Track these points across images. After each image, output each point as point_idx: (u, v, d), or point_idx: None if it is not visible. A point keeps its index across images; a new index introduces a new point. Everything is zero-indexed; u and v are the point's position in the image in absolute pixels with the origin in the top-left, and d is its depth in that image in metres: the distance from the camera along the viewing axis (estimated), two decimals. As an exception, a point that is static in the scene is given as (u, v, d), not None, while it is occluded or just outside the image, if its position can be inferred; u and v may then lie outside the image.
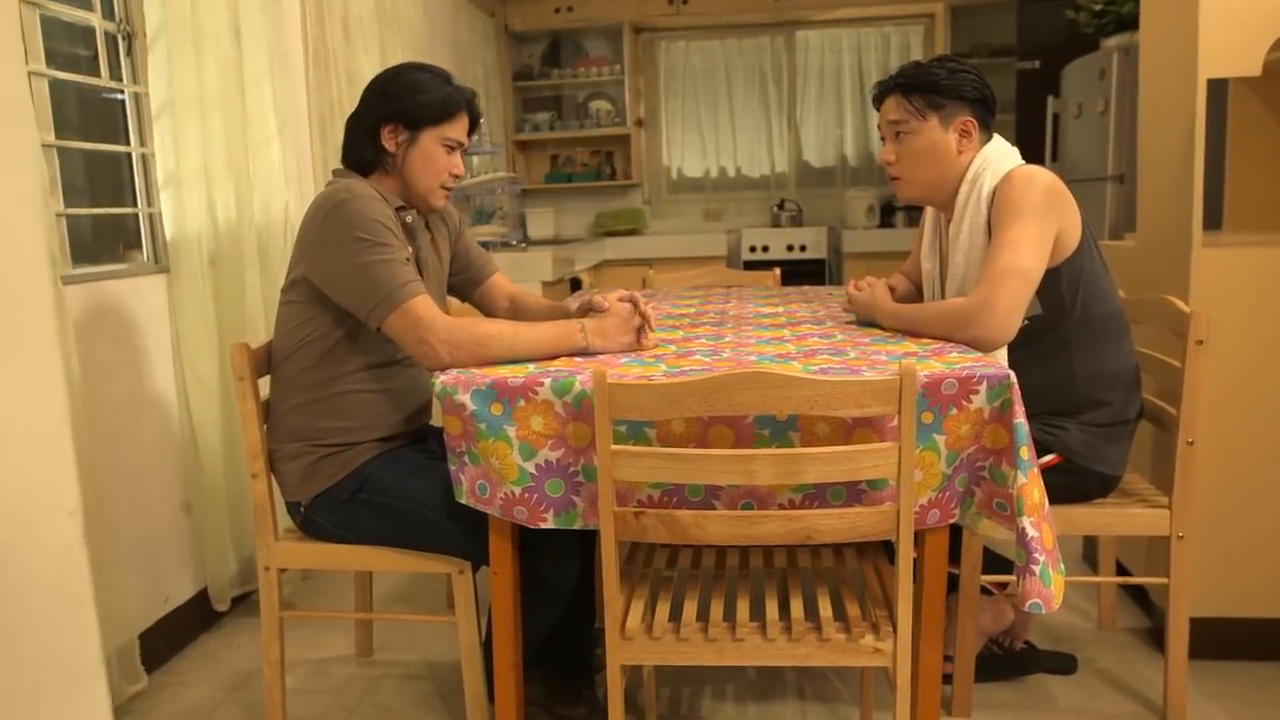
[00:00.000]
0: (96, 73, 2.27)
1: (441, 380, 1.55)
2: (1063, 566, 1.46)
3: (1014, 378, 1.46)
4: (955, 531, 1.66)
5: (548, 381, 1.51)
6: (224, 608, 2.51)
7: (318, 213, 1.73)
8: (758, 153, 5.84)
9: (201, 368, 2.38)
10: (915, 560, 1.51)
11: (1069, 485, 1.84)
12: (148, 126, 2.37)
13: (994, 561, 2.06)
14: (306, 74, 3.01)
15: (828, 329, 1.98)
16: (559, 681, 1.96)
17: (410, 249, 1.81)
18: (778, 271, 3.23)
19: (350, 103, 3.11)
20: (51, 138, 2.09)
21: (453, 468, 1.58)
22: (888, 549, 1.65)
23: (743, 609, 1.54)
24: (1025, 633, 2.15)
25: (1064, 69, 4.24)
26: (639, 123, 5.70)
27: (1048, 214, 1.77)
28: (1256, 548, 2.14)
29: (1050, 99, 4.32)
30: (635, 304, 1.80)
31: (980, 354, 1.63)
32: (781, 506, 1.51)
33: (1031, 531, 1.41)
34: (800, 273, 5.26)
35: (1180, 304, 1.87)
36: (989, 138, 1.92)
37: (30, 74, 2.00)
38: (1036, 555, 1.41)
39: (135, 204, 2.41)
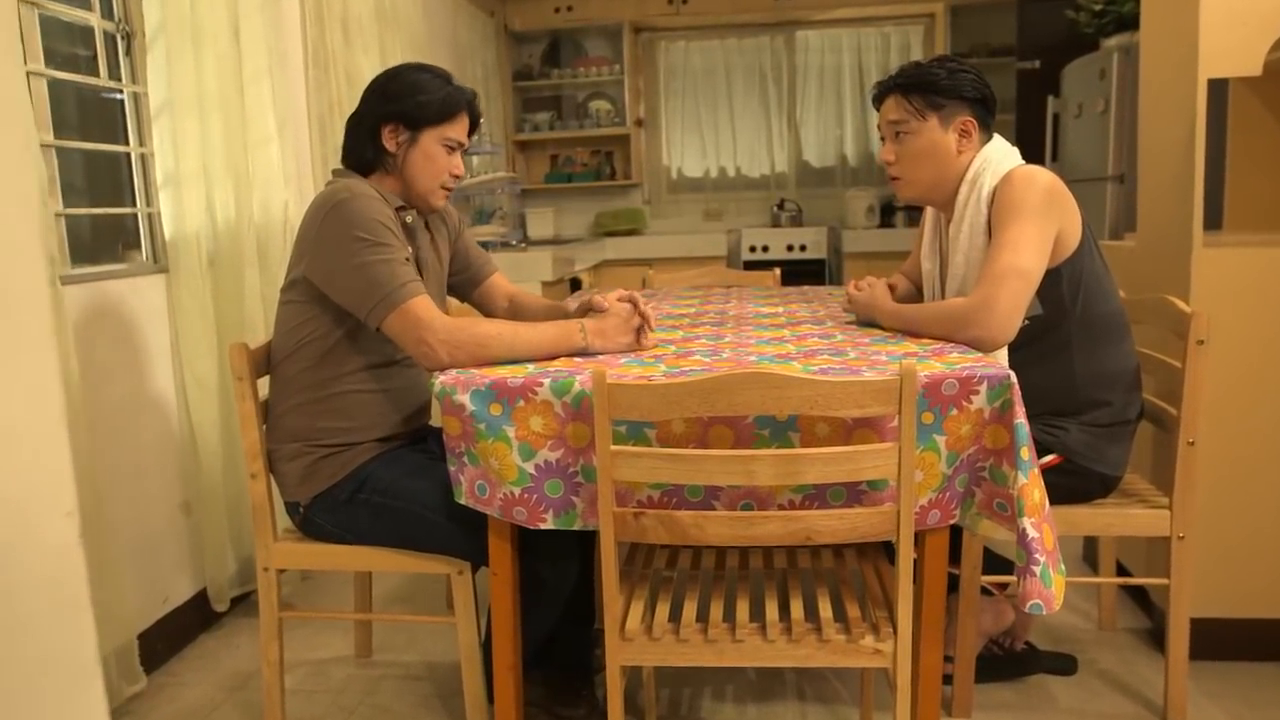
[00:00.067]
0: (95, 72, 2.27)
1: (441, 380, 1.55)
2: (1063, 567, 1.46)
3: (1014, 378, 1.46)
4: (955, 532, 1.66)
5: (547, 382, 1.50)
6: (223, 608, 2.51)
7: (318, 212, 1.73)
8: (758, 153, 5.83)
9: (201, 368, 2.38)
10: (915, 561, 1.51)
11: (1069, 485, 1.84)
12: (147, 126, 2.37)
13: (994, 562, 2.06)
14: (306, 74, 3.00)
15: (828, 329, 1.98)
16: (558, 682, 1.95)
17: (410, 249, 1.81)
18: (778, 271, 3.23)
19: (350, 103, 3.12)
20: (50, 137, 2.08)
21: (452, 468, 1.58)
22: (888, 549, 1.65)
23: (742, 610, 1.54)
24: (1025, 633, 2.15)
25: (1064, 69, 4.24)
26: (639, 123, 5.69)
27: (1048, 214, 1.76)
28: (1257, 548, 2.13)
29: (1050, 99, 4.32)
30: (635, 304, 1.80)
31: (980, 354, 1.63)
32: (781, 507, 1.51)
33: (1032, 532, 1.41)
34: (800, 273, 5.26)
35: (1181, 304, 1.87)
36: (989, 138, 1.91)
37: (29, 73, 2.00)
38: (1037, 556, 1.40)
39: (134, 204, 2.41)
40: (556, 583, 1.77)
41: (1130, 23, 3.59)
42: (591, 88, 5.76)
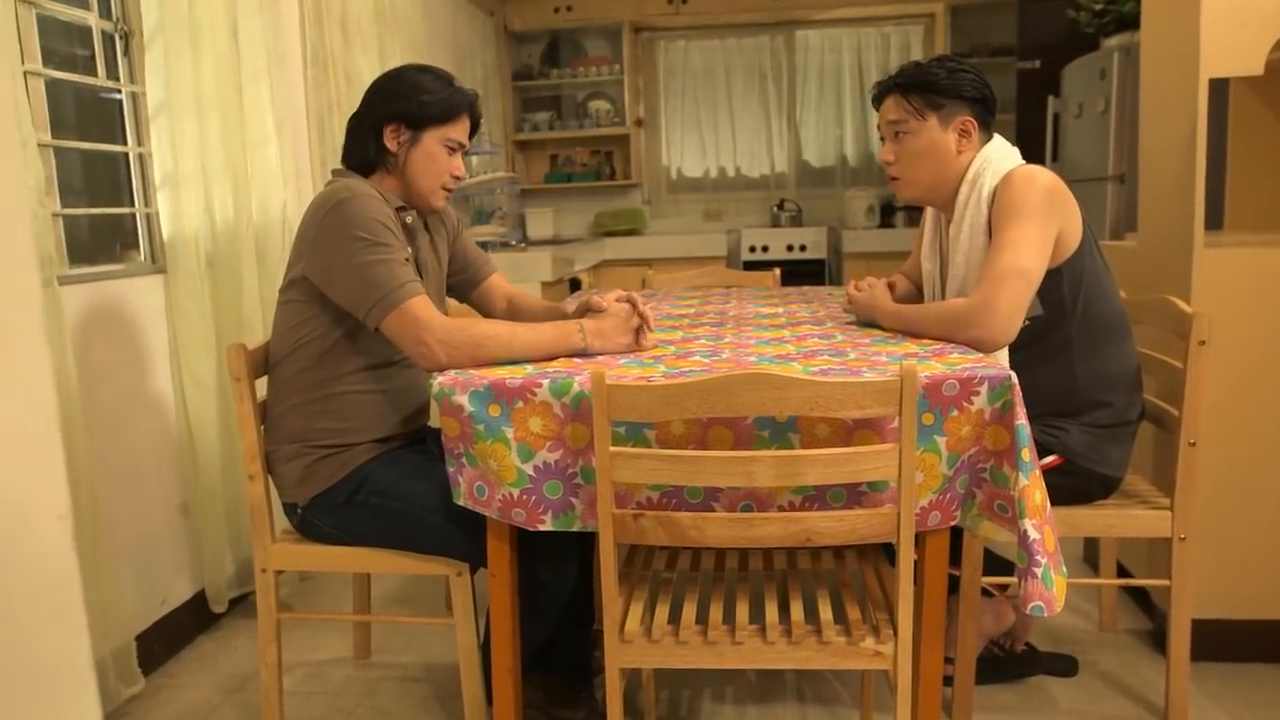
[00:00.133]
0: (93, 72, 2.27)
1: (439, 381, 1.54)
2: (1064, 569, 1.45)
3: (1015, 379, 1.45)
4: (956, 533, 1.65)
5: (546, 382, 1.50)
6: (221, 609, 2.50)
7: (317, 212, 1.72)
8: (757, 153, 5.83)
9: (199, 368, 2.37)
10: (916, 563, 1.50)
11: (1070, 486, 1.83)
12: (145, 126, 2.37)
13: (994, 562, 2.05)
14: (305, 74, 3.00)
15: (828, 329, 1.97)
16: (558, 684, 1.95)
17: (410, 249, 1.81)
18: (777, 272, 3.22)
19: (349, 103, 3.11)
20: (48, 137, 2.08)
21: (450, 469, 1.57)
22: (888, 551, 1.64)
23: (742, 611, 1.53)
24: (1026, 634, 2.14)
25: (1064, 69, 4.24)
26: (638, 122, 5.69)
27: (1048, 214, 1.76)
28: (1258, 549, 2.13)
29: (1051, 99, 4.31)
30: (633, 304, 1.79)
31: (981, 355, 1.62)
32: (781, 508, 1.50)
33: (1033, 534, 1.40)
34: (800, 273, 5.25)
35: (1182, 304, 1.86)
36: (989, 138, 1.91)
37: (27, 73, 2.00)
38: (1038, 558, 1.40)
39: (132, 204, 2.40)
40: (555, 584, 1.76)
41: (1131, 22, 3.58)
42: (591, 87, 5.76)
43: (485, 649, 1.76)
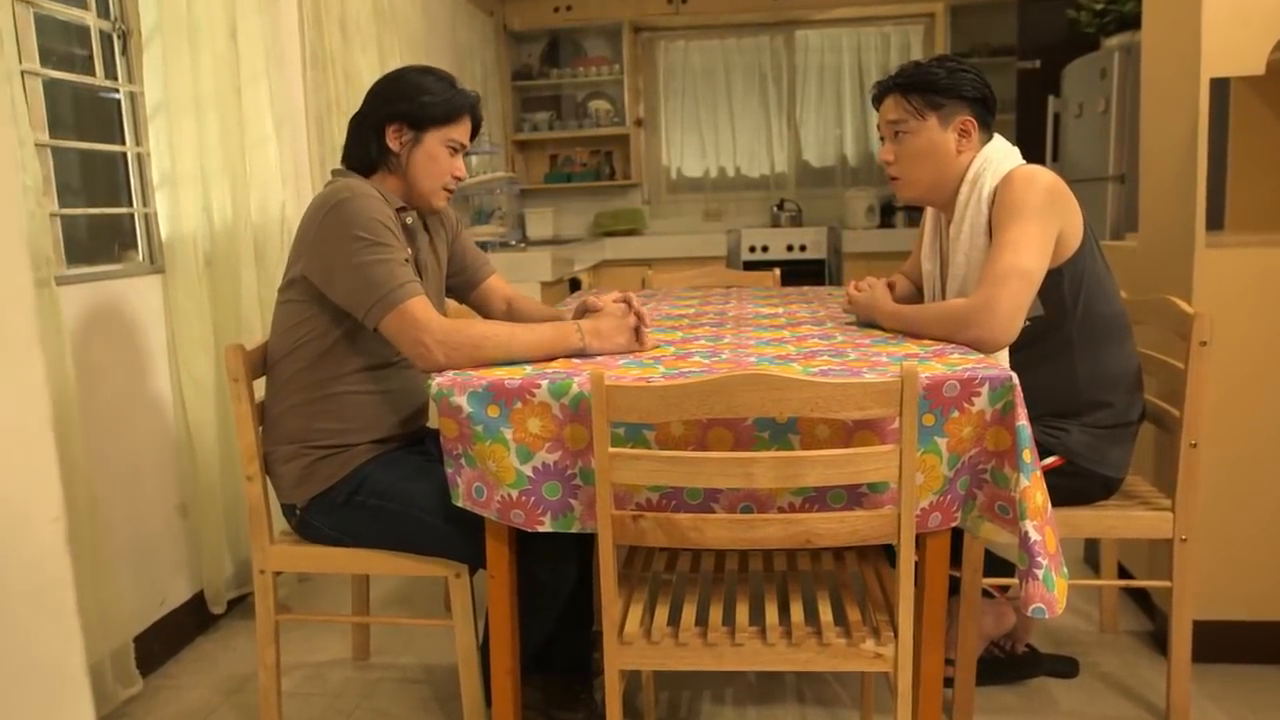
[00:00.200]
0: (91, 72, 2.26)
1: (437, 382, 1.54)
2: (1066, 570, 1.44)
3: (1016, 380, 1.44)
4: (956, 534, 1.65)
5: (545, 383, 1.49)
6: (220, 610, 2.49)
7: (317, 211, 1.72)
8: (757, 153, 5.82)
9: (197, 369, 2.37)
10: (916, 564, 1.49)
11: (1071, 487, 1.83)
12: (143, 126, 2.36)
13: (995, 564, 2.04)
14: (304, 74, 2.99)
15: (828, 330, 1.96)
16: (557, 686, 1.94)
17: (410, 250, 1.80)
18: (777, 272, 3.22)
19: (348, 103, 3.11)
20: (46, 137, 2.07)
21: (449, 470, 1.56)
22: (889, 552, 1.64)
23: (742, 613, 1.53)
24: (1027, 636, 2.14)
25: (1065, 68, 4.23)
26: (638, 122, 5.68)
27: (1049, 214, 1.75)
28: (1260, 550, 2.12)
29: (1051, 99, 4.30)
30: (629, 304, 1.79)
31: (982, 355, 1.62)
32: (781, 510, 1.50)
33: (1034, 535, 1.40)
34: (800, 273, 5.25)
35: (1183, 305, 1.85)
36: (989, 138, 1.90)
37: (24, 73, 1.99)
38: (1039, 559, 1.39)
39: (131, 204, 2.39)
40: (555, 585, 1.76)
41: (1131, 22, 3.58)
42: (591, 87, 5.75)
43: (484, 650, 1.75)
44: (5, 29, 1.78)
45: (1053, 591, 1.40)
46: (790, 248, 5.39)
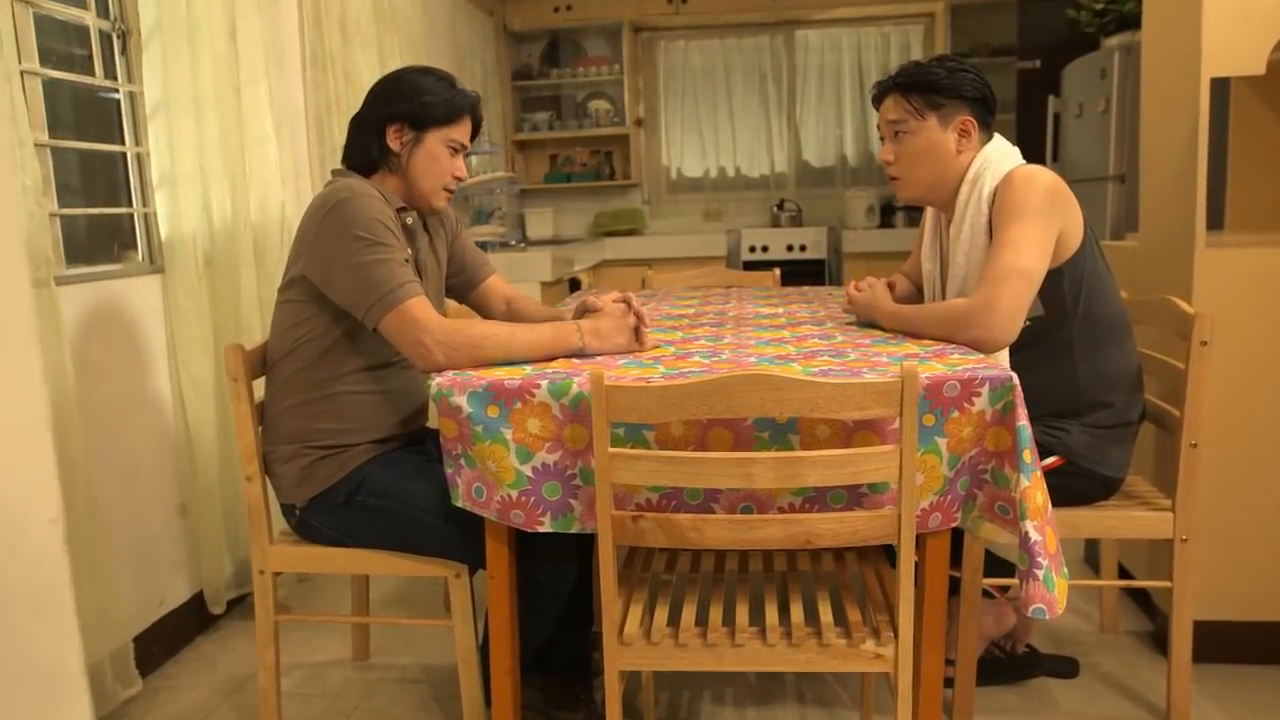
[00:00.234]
0: (91, 71, 2.26)
1: (437, 382, 1.53)
2: (1066, 571, 1.44)
3: (1016, 380, 1.44)
4: (956, 534, 1.65)
5: (545, 383, 1.49)
6: (219, 610, 2.49)
7: (317, 211, 1.72)
8: (757, 153, 5.82)
9: (197, 369, 2.36)
10: (916, 564, 1.49)
11: (1071, 487, 1.83)
12: (143, 126, 2.36)
13: (995, 564, 2.04)
14: (304, 73, 2.99)
15: (828, 330, 1.96)
16: (557, 686, 1.94)
17: (410, 250, 1.80)
18: (777, 272, 3.21)
19: (348, 102, 3.11)
20: (45, 137, 2.07)
21: (449, 471, 1.56)
22: (889, 552, 1.64)
23: (742, 613, 1.53)
24: (1027, 636, 2.13)
25: (1065, 68, 4.23)
26: (638, 122, 5.68)
27: (1049, 214, 1.75)
28: (1260, 550, 2.12)
29: (1051, 98, 4.30)
30: (629, 304, 1.79)
31: (982, 355, 1.62)
32: (781, 510, 1.49)
33: (1034, 535, 1.39)
34: (800, 273, 5.25)
35: (1183, 305, 1.85)
36: (989, 138, 1.90)
37: (24, 73, 1.99)
38: (1040, 560, 1.39)
39: (130, 204, 2.39)
40: (554, 586, 1.76)
41: (1131, 22, 3.57)
42: (591, 87, 5.75)
43: (484, 650, 1.75)
44: (5, 29, 1.78)
45: (1053, 592, 1.40)
46: (790, 248, 5.39)
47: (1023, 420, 1.42)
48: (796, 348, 1.76)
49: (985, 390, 1.45)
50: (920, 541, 1.51)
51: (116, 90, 2.34)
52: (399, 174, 1.84)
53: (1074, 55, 4.10)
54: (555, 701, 1.93)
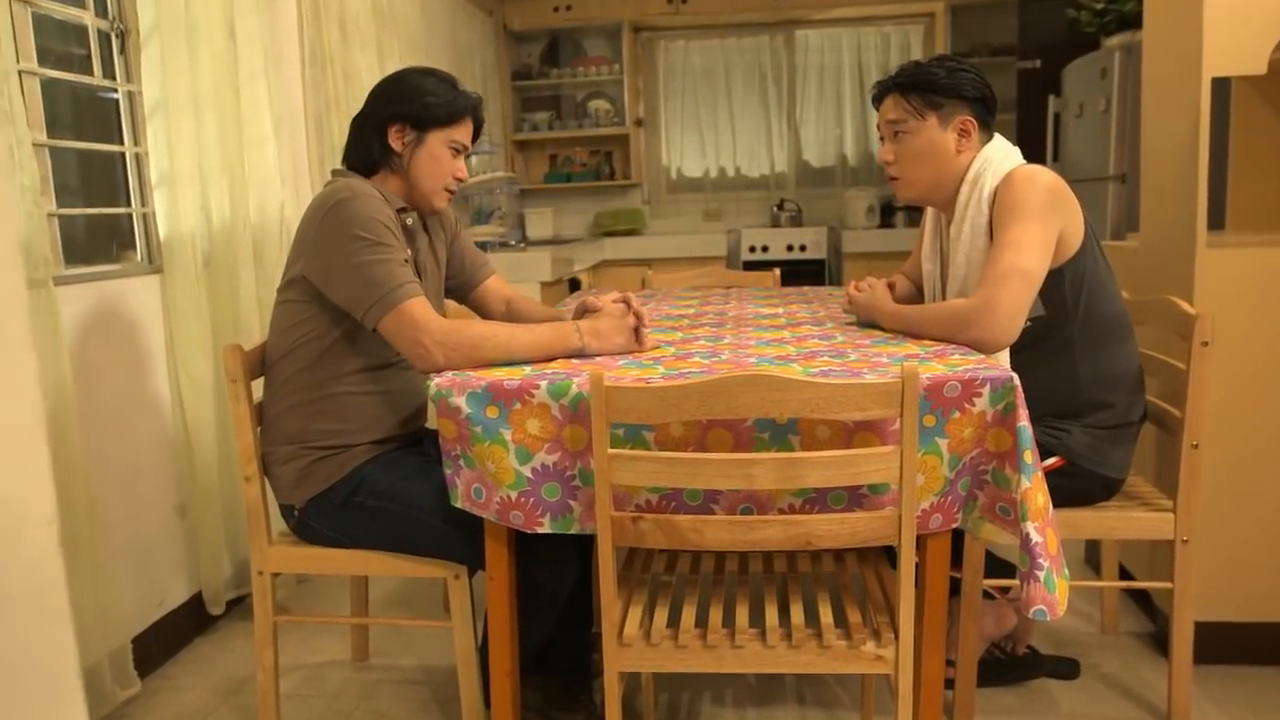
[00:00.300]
0: (89, 71, 2.26)
1: (436, 383, 1.53)
2: (1067, 572, 1.44)
3: (1017, 380, 1.44)
4: (957, 535, 1.64)
5: (544, 384, 1.49)
6: (219, 611, 2.49)
7: (317, 211, 1.72)
8: (757, 153, 5.82)
9: (196, 369, 2.36)
10: (917, 565, 1.49)
11: (1072, 488, 1.82)
12: (141, 125, 2.35)
13: (996, 564, 2.04)
14: (303, 73, 2.99)
15: (828, 330, 1.96)
16: (556, 687, 1.94)
17: (409, 251, 1.80)
18: (777, 272, 3.21)
19: (347, 102, 3.10)
20: (43, 137, 2.07)
21: (448, 471, 1.56)
22: (889, 553, 1.63)
23: (742, 615, 1.52)
24: (1028, 637, 2.13)
25: (1065, 68, 4.22)
26: (638, 122, 5.68)
27: (1050, 214, 1.75)
28: (1261, 551, 2.12)
29: (1051, 98, 4.30)
30: (628, 304, 1.78)
31: (983, 356, 1.61)
32: (781, 511, 1.49)
33: (1035, 537, 1.39)
34: (800, 273, 5.24)
35: (1184, 305, 1.85)
36: (989, 137, 1.90)
37: (22, 72, 1.98)
38: (1040, 561, 1.39)
39: (129, 204, 2.39)
40: (554, 587, 1.75)
41: (1132, 21, 3.57)
42: (591, 87, 5.75)
43: (483, 651, 1.75)
44: (3, 28, 1.78)
45: (1054, 593, 1.39)
46: (790, 248, 5.38)
47: (1024, 421, 1.42)
48: (796, 348, 1.75)
49: (986, 391, 1.44)
50: (921, 543, 1.51)
51: (115, 90, 2.34)
52: (400, 174, 1.84)
53: (1074, 55, 4.10)
54: (555, 703, 1.93)
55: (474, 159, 4.56)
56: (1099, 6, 3.74)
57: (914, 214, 5.35)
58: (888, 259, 5.11)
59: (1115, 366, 1.84)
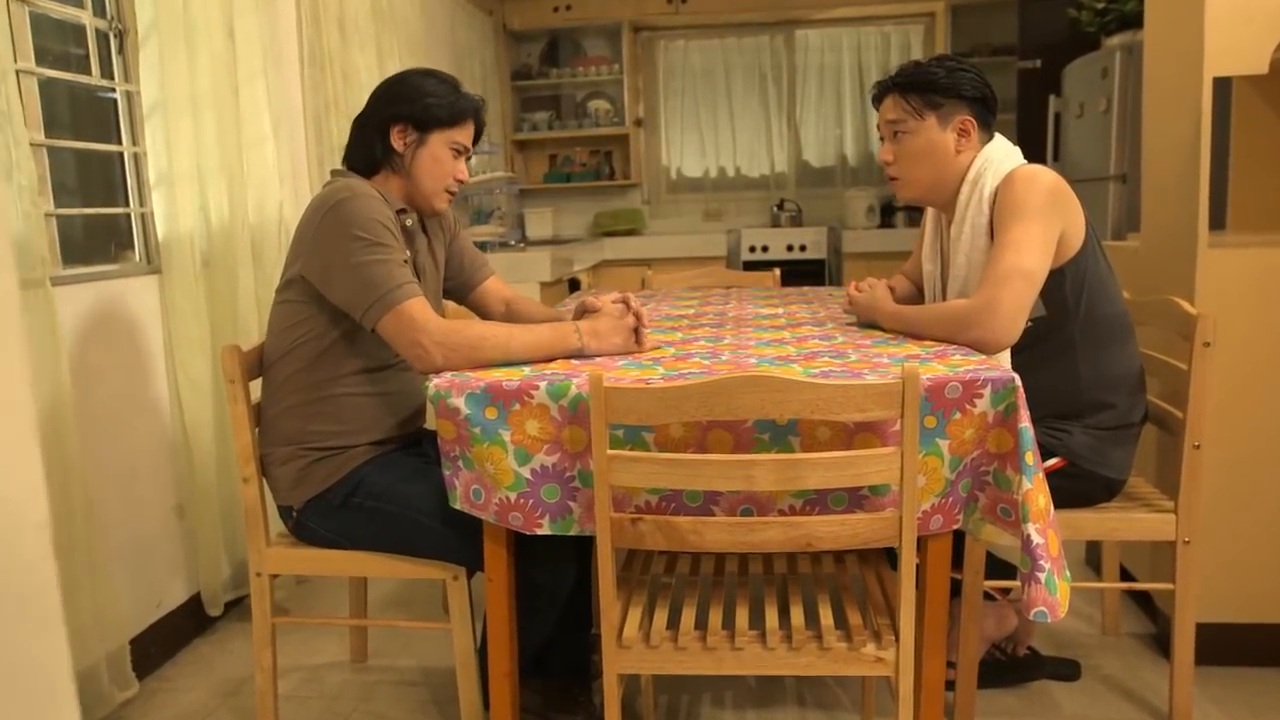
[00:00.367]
0: (88, 71, 2.25)
1: (435, 384, 1.52)
2: (1068, 573, 1.43)
3: (1018, 381, 1.43)
4: (958, 536, 1.64)
5: (543, 385, 1.48)
6: (217, 612, 2.48)
7: (316, 211, 1.71)
8: (757, 153, 5.81)
9: (194, 369, 2.35)
10: (917, 567, 1.48)
11: (1073, 489, 1.82)
12: (140, 125, 2.35)
13: (996, 566, 2.03)
14: (302, 73, 2.98)
15: (828, 331, 1.95)
16: (555, 689, 1.93)
17: (408, 252, 1.79)
18: (777, 272, 3.21)
19: (346, 102, 3.10)
20: (41, 137, 2.06)
21: (447, 473, 1.55)
22: (890, 555, 1.63)
23: (742, 616, 1.52)
24: (1028, 638, 2.12)
25: (1066, 68, 4.22)
26: (638, 122, 5.67)
27: (1051, 214, 1.74)
28: (1263, 552, 2.11)
29: (1052, 98, 4.29)
30: (628, 304, 1.78)
31: (983, 356, 1.61)
32: (782, 512, 1.48)
33: (1036, 538, 1.38)
34: (800, 273, 5.23)
35: (1186, 305, 1.84)
36: (989, 137, 1.89)
37: (20, 72, 1.98)
38: (1042, 562, 1.38)
39: (127, 204, 2.38)
40: (553, 588, 1.75)
41: (1133, 21, 3.56)
42: (590, 87, 5.74)
43: (482, 653, 1.74)
44: (1, 28, 1.77)
45: (1055, 595, 1.38)
46: (790, 248, 5.38)
47: (1025, 422, 1.41)
48: (797, 349, 1.75)
49: (987, 392, 1.44)
50: (921, 544, 1.50)
51: (113, 89, 2.33)
52: (401, 175, 1.84)
53: (1075, 55, 4.09)
54: (554, 704, 1.92)
55: (473, 159, 4.55)
56: (1100, 6, 3.74)
57: (914, 214, 5.35)
58: (888, 259, 5.10)
59: (1116, 367, 1.84)
